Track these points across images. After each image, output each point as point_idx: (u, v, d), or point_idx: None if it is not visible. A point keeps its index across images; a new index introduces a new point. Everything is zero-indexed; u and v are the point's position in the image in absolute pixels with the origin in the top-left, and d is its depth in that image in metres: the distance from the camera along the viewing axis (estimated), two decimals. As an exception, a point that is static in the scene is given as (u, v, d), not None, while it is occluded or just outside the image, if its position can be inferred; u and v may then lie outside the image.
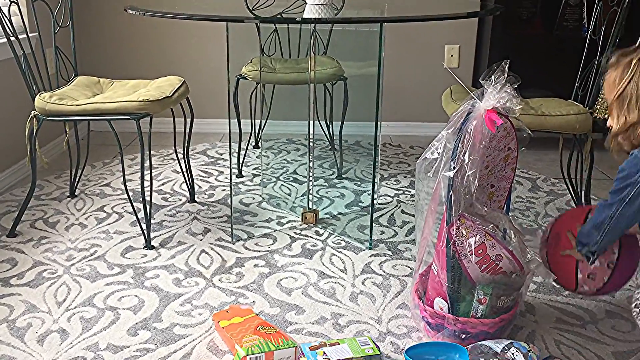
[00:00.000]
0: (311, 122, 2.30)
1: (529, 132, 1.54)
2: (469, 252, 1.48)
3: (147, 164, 2.10)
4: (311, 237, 2.18)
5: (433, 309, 1.57)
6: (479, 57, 3.32)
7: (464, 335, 1.53)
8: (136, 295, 1.79)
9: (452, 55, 3.34)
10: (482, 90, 1.49)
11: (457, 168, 1.46)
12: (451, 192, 1.48)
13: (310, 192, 2.36)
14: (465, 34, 3.32)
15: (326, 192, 2.61)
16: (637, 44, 1.40)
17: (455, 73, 3.34)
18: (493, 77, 1.47)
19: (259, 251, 2.07)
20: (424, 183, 1.56)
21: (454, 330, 1.53)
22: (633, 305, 1.42)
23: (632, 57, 1.37)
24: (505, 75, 1.46)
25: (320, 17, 2.00)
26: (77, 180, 2.52)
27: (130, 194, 2.36)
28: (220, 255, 2.03)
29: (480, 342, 1.49)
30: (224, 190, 2.60)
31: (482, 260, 1.48)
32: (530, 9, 3.08)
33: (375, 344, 1.52)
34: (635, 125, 1.35)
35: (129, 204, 2.14)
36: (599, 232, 1.46)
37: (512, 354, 1.44)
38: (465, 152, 1.45)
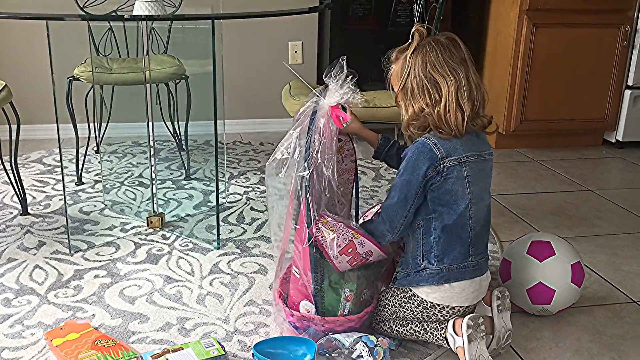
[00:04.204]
0: (150, 123, 2.22)
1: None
2: (338, 252, 1.46)
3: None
4: (157, 242, 2.11)
5: (299, 312, 1.53)
6: (322, 53, 3.40)
7: (331, 334, 1.51)
8: (-43, 322, 1.63)
9: (296, 52, 3.40)
10: (324, 87, 1.52)
11: (312, 167, 1.45)
12: (309, 192, 1.46)
13: (155, 195, 2.28)
14: (307, 31, 3.38)
15: (174, 194, 2.54)
16: (409, 41, 1.49)
17: (299, 69, 3.40)
18: (334, 73, 1.50)
19: (100, 261, 1.97)
20: (273, 183, 1.55)
21: (322, 330, 1.51)
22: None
23: (406, 52, 1.47)
24: (345, 72, 1.50)
25: (150, 14, 1.93)
26: None
27: (-50, 210, 2.15)
28: (57, 269, 1.90)
29: (333, 336, 1.48)
30: (61, 199, 2.44)
31: (353, 258, 1.48)
32: (366, 6, 3.20)
33: (221, 345, 1.50)
34: (423, 112, 1.46)
35: (-53, 221, 1.94)
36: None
37: (359, 349, 1.44)
38: (318, 151, 1.46)
